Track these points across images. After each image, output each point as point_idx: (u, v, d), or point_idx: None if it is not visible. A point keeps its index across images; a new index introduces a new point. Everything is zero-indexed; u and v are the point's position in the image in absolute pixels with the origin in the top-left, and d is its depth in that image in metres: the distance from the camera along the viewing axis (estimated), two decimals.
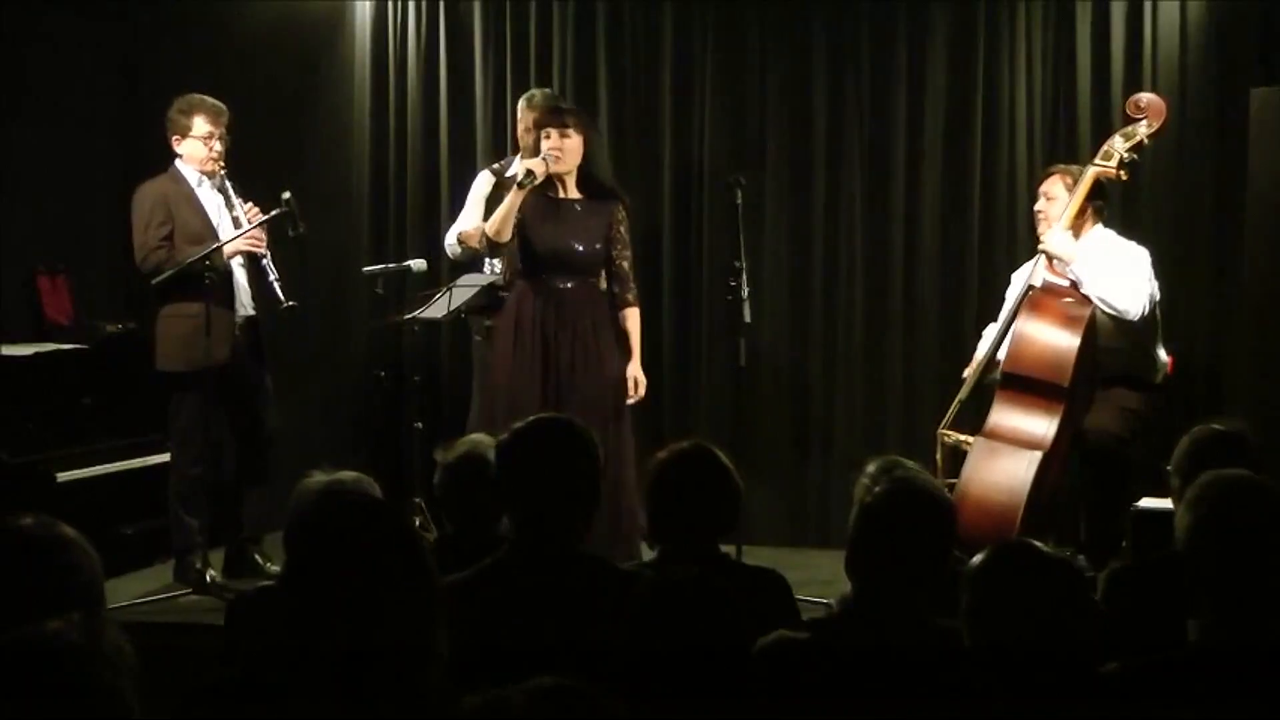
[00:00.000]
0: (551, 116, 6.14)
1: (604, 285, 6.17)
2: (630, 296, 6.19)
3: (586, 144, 6.10)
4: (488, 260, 6.77)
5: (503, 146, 7.31)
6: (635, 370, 6.15)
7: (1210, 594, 2.87)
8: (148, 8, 7.73)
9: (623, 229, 6.16)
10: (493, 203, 6.81)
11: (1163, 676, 2.81)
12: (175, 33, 7.64)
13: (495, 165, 6.99)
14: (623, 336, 6.18)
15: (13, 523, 2.53)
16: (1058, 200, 6.16)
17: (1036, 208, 6.29)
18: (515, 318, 6.10)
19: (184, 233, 6.23)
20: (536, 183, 5.99)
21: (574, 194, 6.14)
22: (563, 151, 6.03)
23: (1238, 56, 6.90)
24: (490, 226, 6.11)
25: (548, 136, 6.06)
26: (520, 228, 6.07)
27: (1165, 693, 2.79)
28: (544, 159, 6.02)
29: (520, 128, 6.84)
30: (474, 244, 6.77)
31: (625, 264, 6.17)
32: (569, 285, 6.08)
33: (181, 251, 6.14)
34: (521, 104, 6.90)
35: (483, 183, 6.92)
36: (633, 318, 6.20)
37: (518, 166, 6.81)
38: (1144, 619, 3.55)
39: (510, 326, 6.11)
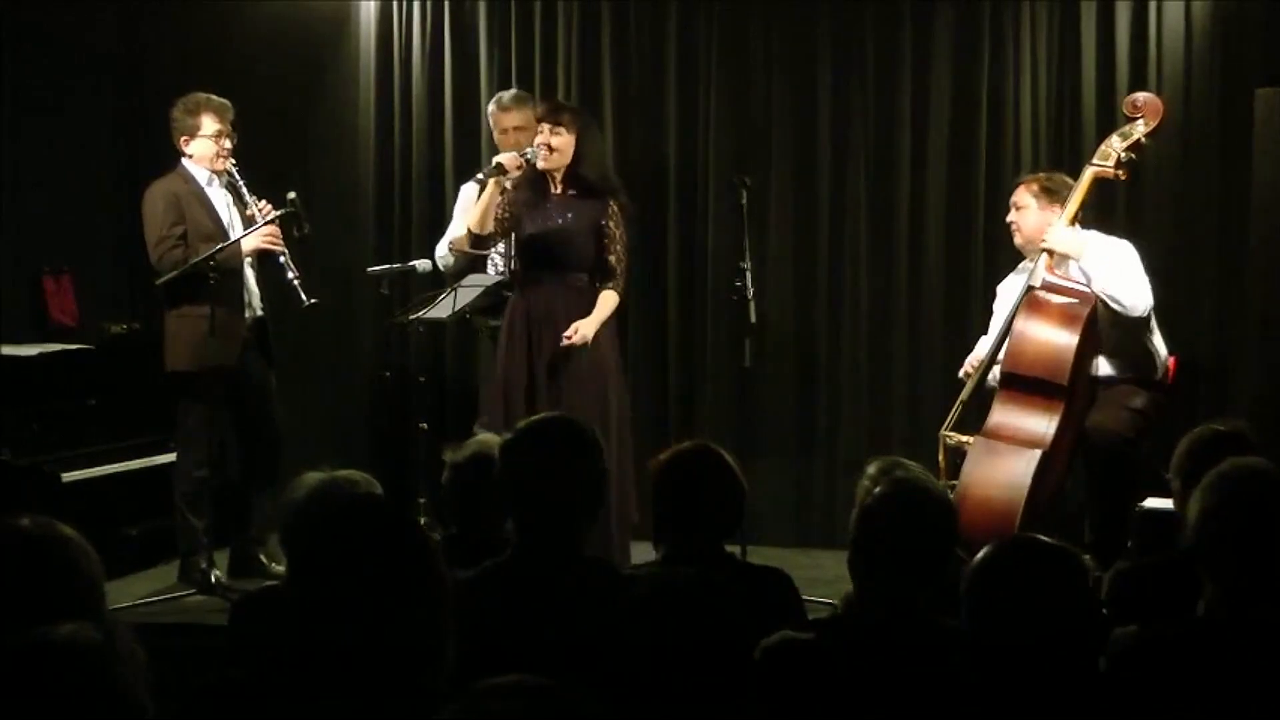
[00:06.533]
0: (546, 113, 6.21)
1: (591, 280, 6.20)
2: (610, 284, 6.17)
3: (578, 143, 6.13)
4: (490, 261, 6.80)
5: None
6: (586, 329, 6.05)
7: (1217, 578, 2.91)
8: (149, 7, 7.73)
9: (612, 224, 6.17)
10: None
11: (1167, 648, 2.85)
12: (177, 32, 7.63)
13: (479, 174, 7.02)
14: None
15: (10, 523, 2.53)
16: (1027, 209, 6.18)
17: (1009, 219, 6.28)
18: (511, 314, 6.19)
19: (196, 232, 6.25)
20: (505, 175, 6.07)
21: (563, 191, 6.19)
22: (551, 148, 6.07)
23: (1242, 57, 6.88)
24: (471, 220, 6.20)
25: (541, 132, 6.12)
26: (514, 224, 6.15)
27: (1169, 664, 2.83)
28: (524, 155, 6.08)
29: (495, 131, 6.90)
30: (466, 248, 6.80)
31: (612, 259, 6.16)
32: (556, 281, 6.15)
33: (196, 250, 6.15)
34: (491, 107, 6.97)
35: (470, 191, 6.96)
36: (605, 296, 6.16)
37: None
38: (1149, 619, 3.56)
39: (507, 323, 6.22)
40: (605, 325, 6.16)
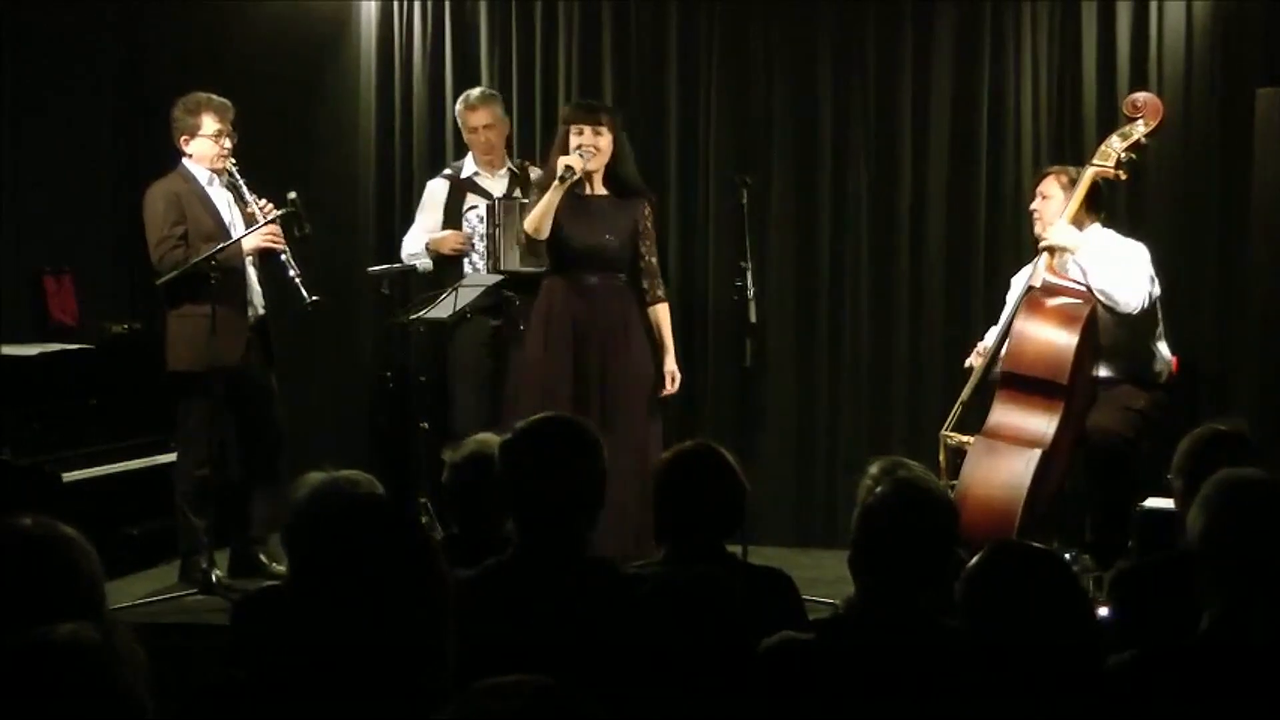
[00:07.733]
0: (586, 114, 6.23)
1: (630, 280, 6.27)
2: (660, 292, 6.38)
3: (615, 142, 6.16)
4: (467, 261, 6.80)
5: (508, 146, 7.31)
6: (671, 365, 6.36)
7: (1223, 591, 2.90)
8: (149, 7, 7.72)
9: (649, 224, 6.31)
10: (451, 207, 6.85)
11: (1170, 666, 2.84)
12: (178, 32, 7.63)
13: (447, 170, 7.01)
14: (655, 332, 6.33)
15: (11, 523, 2.53)
16: (1053, 199, 6.18)
17: (1032, 207, 6.30)
18: (546, 313, 6.20)
19: (197, 231, 6.25)
20: (576, 178, 6.05)
21: (602, 191, 6.26)
22: (596, 148, 6.09)
23: (1243, 57, 6.89)
24: (529, 223, 6.17)
25: (579, 133, 6.13)
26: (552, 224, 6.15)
27: (1173, 681, 2.81)
28: (580, 155, 6.08)
29: (464, 131, 6.92)
30: (447, 250, 6.78)
31: (654, 259, 6.34)
32: (597, 280, 6.19)
33: (197, 250, 6.15)
34: (459, 106, 6.99)
35: (438, 188, 6.95)
36: (664, 313, 6.39)
37: (472, 167, 6.86)
38: (1150, 619, 3.56)
39: (542, 322, 6.23)
40: (643, 336, 6.24)
